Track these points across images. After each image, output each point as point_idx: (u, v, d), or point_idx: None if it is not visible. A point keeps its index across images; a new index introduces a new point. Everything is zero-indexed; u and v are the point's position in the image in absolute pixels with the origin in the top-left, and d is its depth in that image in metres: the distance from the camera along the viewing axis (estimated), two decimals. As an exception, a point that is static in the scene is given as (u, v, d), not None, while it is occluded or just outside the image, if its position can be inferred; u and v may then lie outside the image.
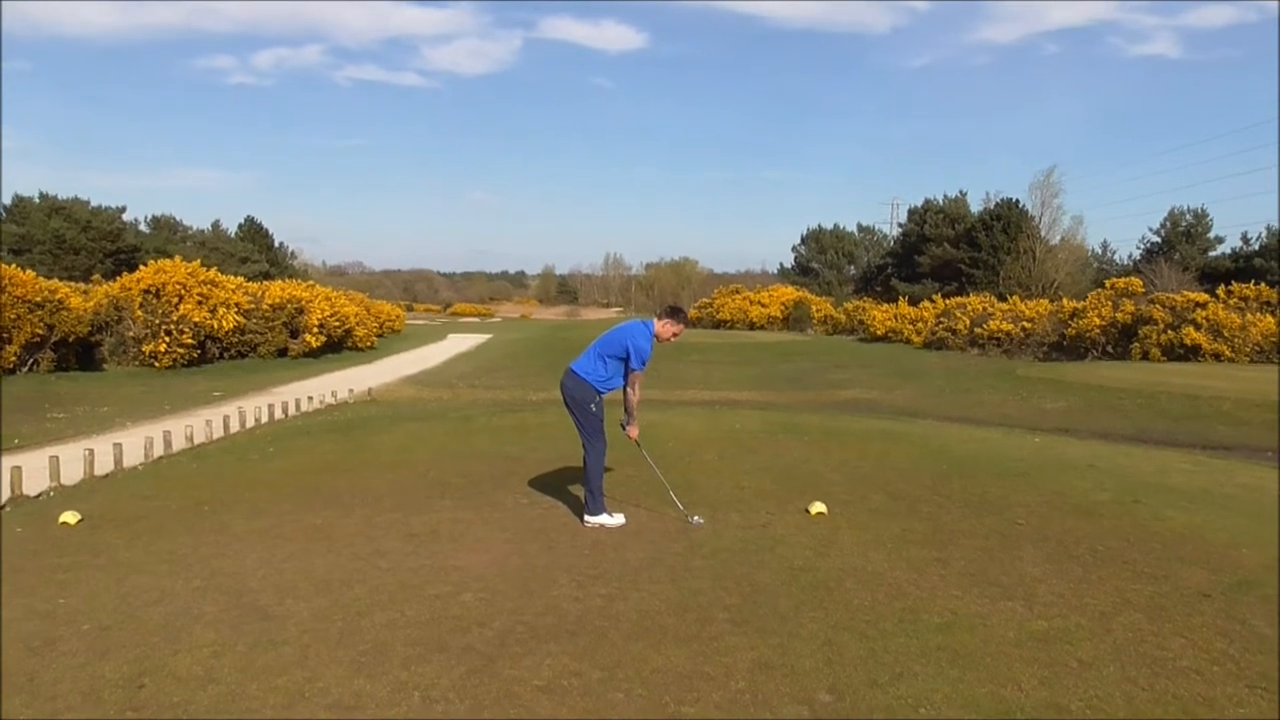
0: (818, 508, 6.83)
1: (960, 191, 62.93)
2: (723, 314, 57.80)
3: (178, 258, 25.14)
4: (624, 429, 6.50)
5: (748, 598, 4.88)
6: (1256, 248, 51.67)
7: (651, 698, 3.67)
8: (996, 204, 55.58)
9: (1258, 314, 29.81)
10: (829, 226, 78.33)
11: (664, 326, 6.38)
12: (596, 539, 6.12)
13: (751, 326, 54.80)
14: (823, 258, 76.05)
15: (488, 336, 46.05)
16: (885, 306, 46.84)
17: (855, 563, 5.56)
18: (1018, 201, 54.57)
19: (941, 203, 61.59)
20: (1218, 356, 28.62)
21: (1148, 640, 4.35)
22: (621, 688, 3.76)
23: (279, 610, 4.67)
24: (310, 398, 15.96)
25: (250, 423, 12.86)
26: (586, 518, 6.40)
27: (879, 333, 42.44)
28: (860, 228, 78.88)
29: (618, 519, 6.44)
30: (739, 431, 11.28)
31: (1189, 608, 4.82)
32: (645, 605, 4.76)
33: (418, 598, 4.86)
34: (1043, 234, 53.20)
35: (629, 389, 6.37)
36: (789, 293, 58.00)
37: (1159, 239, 57.65)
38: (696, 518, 6.53)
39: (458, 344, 40.15)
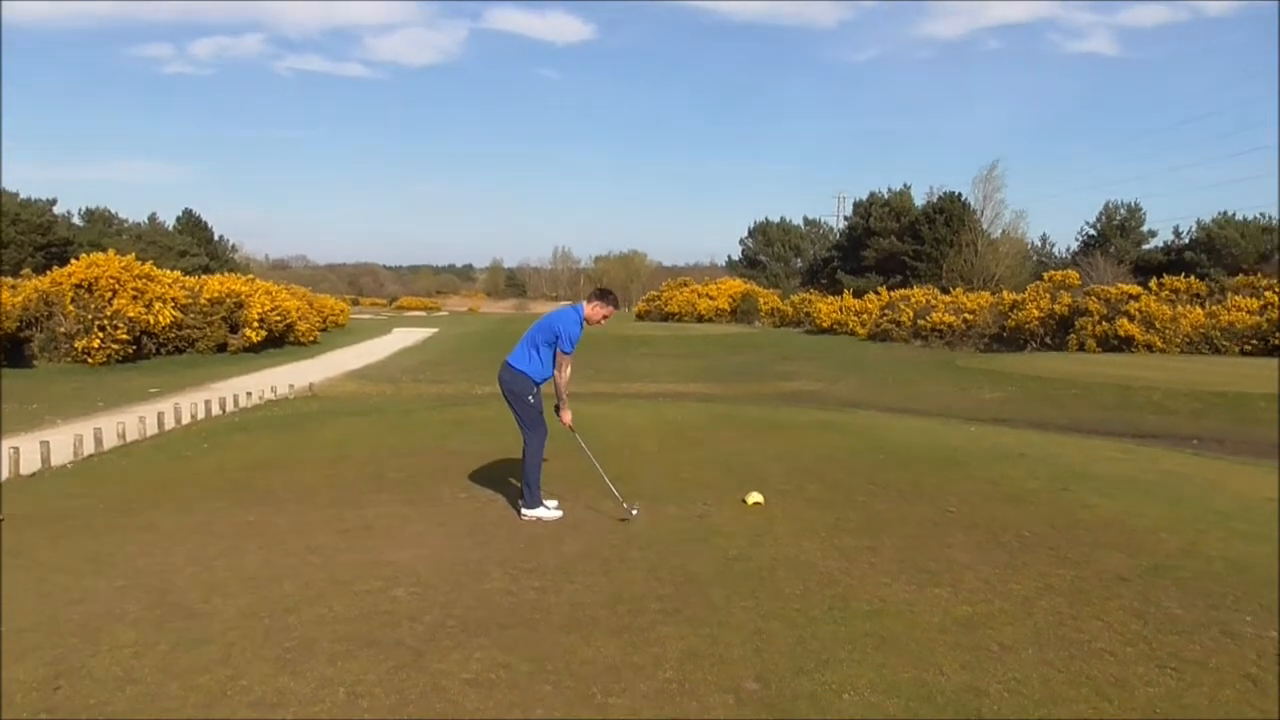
0: (754, 498, 6.92)
1: (905, 185, 63.98)
2: (671, 307, 58.00)
3: (111, 251, 24.51)
4: (557, 413, 6.51)
5: (680, 588, 4.92)
6: (1187, 241, 53.35)
7: (579, 689, 3.69)
8: (940, 197, 56.59)
9: (1188, 306, 30.73)
10: (776, 219, 79.14)
11: (593, 309, 6.43)
12: (532, 532, 6.13)
13: (700, 319, 55.06)
14: (770, 250, 76.79)
15: (434, 330, 45.67)
16: (831, 299, 47.42)
17: (789, 552, 5.64)
18: (961, 195, 55.67)
19: (887, 196, 62.51)
20: (1149, 347, 29.43)
21: (1067, 624, 4.48)
22: (550, 680, 3.77)
23: (204, 608, 4.60)
24: (249, 393, 15.69)
25: (186, 419, 12.60)
26: (523, 510, 6.40)
27: (825, 325, 42.95)
28: (807, 221, 79.81)
29: (554, 512, 6.45)
30: (681, 423, 11.37)
31: (1107, 591, 4.96)
32: (578, 597, 4.78)
33: (348, 593, 4.81)
34: (985, 227, 54.30)
35: (558, 371, 6.39)
36: (737, 285, 58.37)
37: (1095, 232, 59.17)
38: (634, 509, 6.56)
39: (403, 338, 39.73)
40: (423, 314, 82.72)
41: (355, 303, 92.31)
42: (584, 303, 6.51)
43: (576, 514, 6.60)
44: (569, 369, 6.42)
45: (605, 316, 6.46)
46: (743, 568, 5.31)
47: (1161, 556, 5.61)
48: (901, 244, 56.42)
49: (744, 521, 6.41)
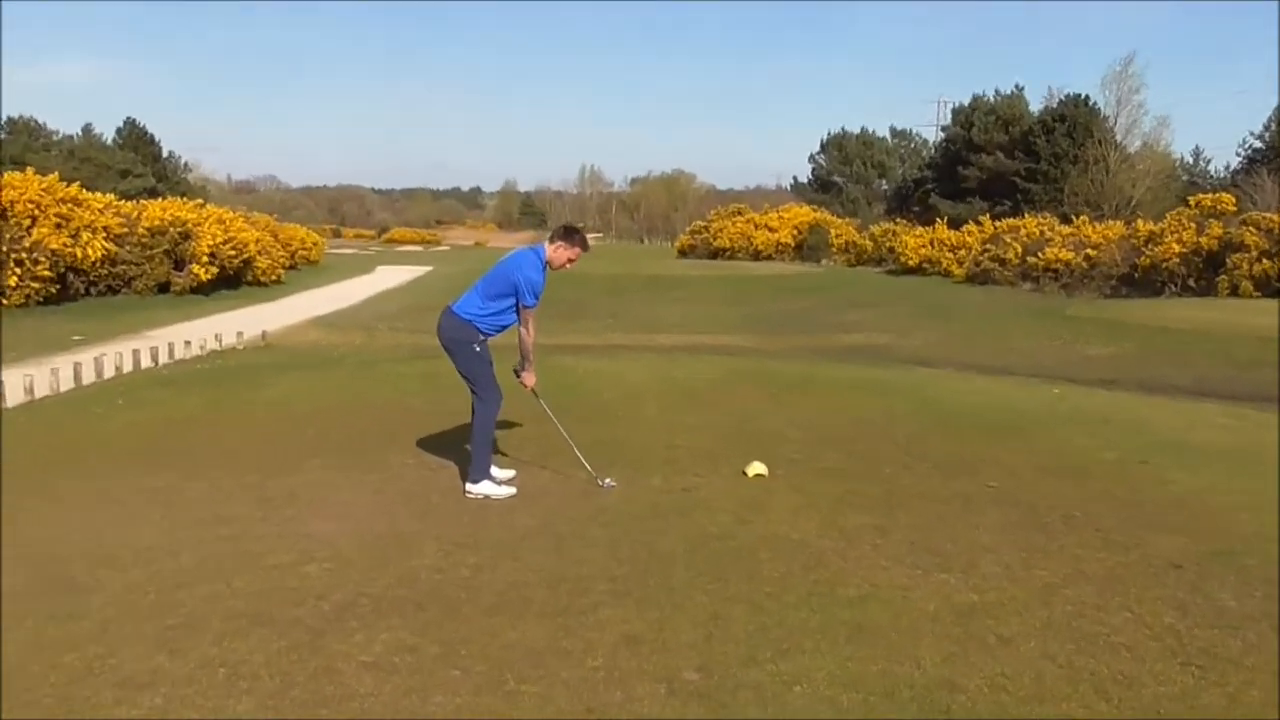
0: (756, 469, 7.20)
1: (1016, 86, 62.75)
2: (720, 240, 57.86)
3: (30, 170, 25.13)
4: (518, 375, 6.79)
5: (639, 568, 5.24)
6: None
7: (491, 675, 4.01)
8: (1061, 102, 55.60)
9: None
10: (855, 131, 78.26)
11: (556, 251, 6.67)
12: (484, 504, 6.49)
13: (756, 256, 55.00)
14: (847, 170, 76.23)
15: (427, 269, 46.22)
16: (921, 231, 46.97)
17: (779, 530, 5.93)
18: (1088, 99, 54.62)
19: (993, 101, 61.51)
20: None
21: (1087, 615, 4.71)
22: (460, 664, 4.10)
23: (87, 581, 4.99)
24: (189, 342, 16.20)
25: (110, 372, 13.11)
26: (467, 487, 6.69)
27: (912, 263, 42.65)
28: (895, 133, 78.94)
29: (505, 488, 6.73)
30: (692, 381, 11.74)
31: (1151, 579, 5.18)
32: (516, 576, 5.10)
33: (253, 568, 5.19)
34: (1118, 139, 53.32)
35: (522, 328, 6.67)
36: (803, 214, 58.08)
37: (1262, 144, 57.78)
38: (608, 480, 6.88)
39: (388, 278, 40.34)
40: (418, 248, 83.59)
41: (336, 234, 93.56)
42: (545, 243, 6.75)
43: (540, 483, 6.93)
44: (534, 325, 6.70)
45: (571, 260, 6.71)
46: (719, 546, 5.61)
47: (1230, 540, 5.79)
48: (1011, 161, 55.69)
49: (737, 495, 6.70)
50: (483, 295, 6.68)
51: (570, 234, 6.78)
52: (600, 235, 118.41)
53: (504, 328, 6.78)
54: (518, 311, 6.68)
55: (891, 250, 46.52)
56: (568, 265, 6.74)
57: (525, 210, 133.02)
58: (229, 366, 13.90)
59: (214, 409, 9.90)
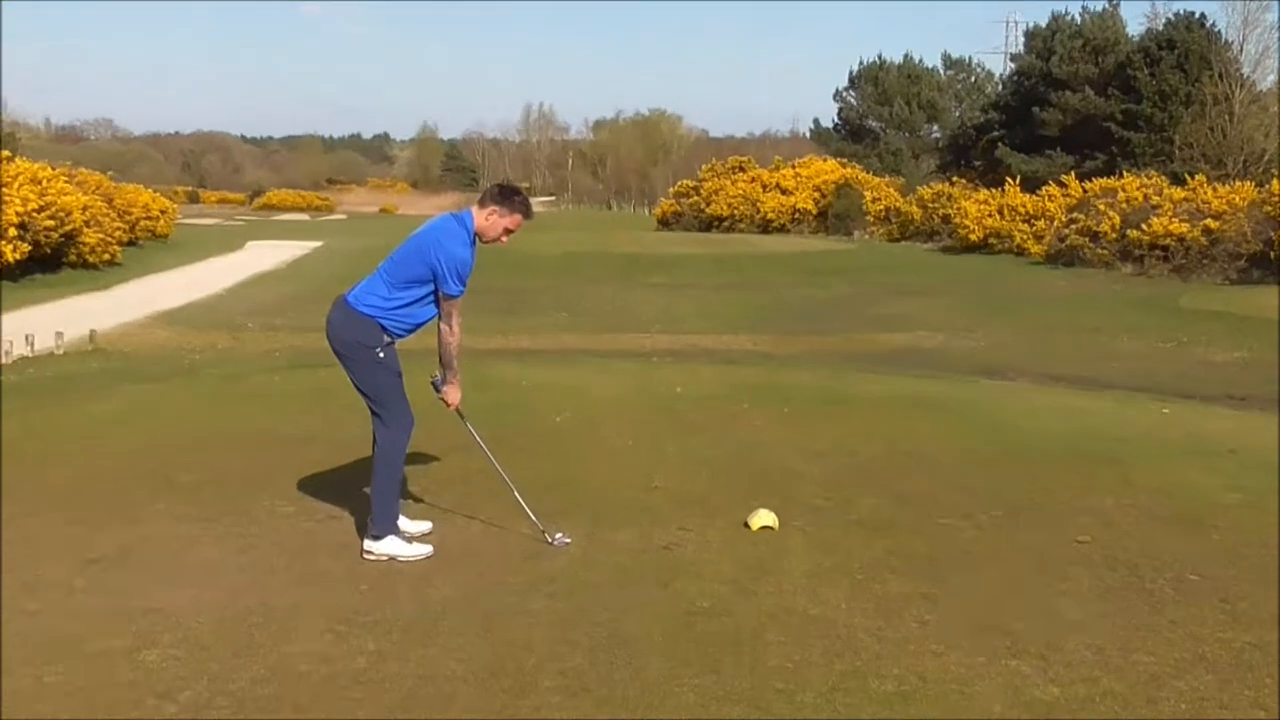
0: (763, 519, 7.13)
1: (1109, 1, 63.05)
2: (715, 206, 57.87)
3: None
4: (437, 390, 6.73)
5: (601, 656, 5.19)
6: None
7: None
8: (1168, 23, 55.86)
9: None
10: (897, 59, 78.21)
11: (488, 219, 6.56)
12: (389, 568, 6.39)
13: (765, 227, 55.05)
14: (886, 112, 75.73)
15: (316, 244, 46.00)
16: (985, 194, 47.07)
17: (794, 603, 5.89)
18: (1203, 20, 54.92)
19: (1079, 21, 61.72)
20: None
21: (1208, 714, 4.68)
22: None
23: None
24: (-11, 345, 16.03)
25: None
26: (366, 544, 6.61)
27: (973, 237, 42.84)
28: (949, 62, 78.81)
29: (416, 547, 6.64)
30: (679, 398, 11.67)
31: (1293, 666, 5.16)
32: (433, 668, 5.05)
33: (71, 655, 5.10)
34: (1244, 73, 53.63)
35: (443, 325, 6.57)
36: (828, 169, 58.08)
37: None
38: (559, 535, 6.80)
39: (261, 257, 40.09)
40: (303, 217, 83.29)
41: (192, 198, 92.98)
42: (472, 209, 6.65)
43: (465, 539, 6.86)
44: (458, 321, 6.60)
45: (509, 230, 6.62)
46: (712, 627, 5.56)
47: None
48: (1104, 101, 55.91)
49: (737, 555, 6.63)
50: (389, 281, 6.58)
51: (507, 195, 6.67)
52: (552, 199, 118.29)
53: (418, 325, 6.69)
54: (437, 303, 6.60)
55: (946, 220, 46.75)
56: (504, 238, 6.66)
57: (450, 165, 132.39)
58: (43, 378, 13.80)
59: (21, 436, 9.69)
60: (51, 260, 29.78)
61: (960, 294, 29.70)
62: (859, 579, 6.25)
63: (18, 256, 27.42)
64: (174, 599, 5.81)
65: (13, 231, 27.38)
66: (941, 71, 78.75)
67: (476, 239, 6.60)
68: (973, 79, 78.08)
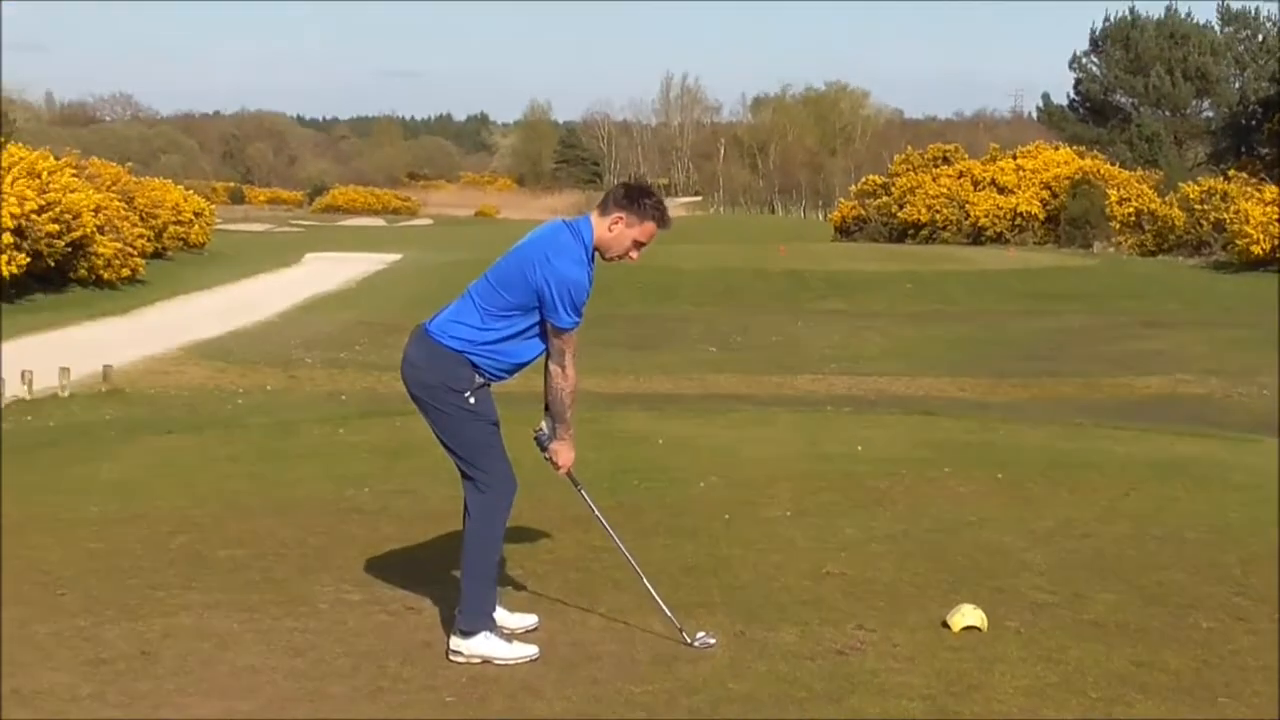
0: (967, 618, 6.39)
1: None
2: (911, 210, 55.73)
3: None
4: (544, 448, 6.09)
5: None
6: None
7: None
8: None
9: None
10: (1156, 14, 70.48)
11: (611, 228, 5.85)
12: (479, 674, 5.70)
13: (976, 236, 52.78)
14: (1140, 83, 68.09)
15: (394, 258, 46.05)
16: (1274, 192, 43.11)
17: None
18: None
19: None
20: None
21: None
22: None
23: None
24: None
25: None
26: (454, 643, 5.91)
27: (1258, 249, 39.50)
28: (1227, 16, 68.75)
29: (519, 649, 5.94)
30: (859, 459, 10.71)
31: None
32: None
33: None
34: None
35: (553, 365, 5.89)
36: (1061, 160, 55.16)
37: None
38: (701, 635, 6.11)
39: (323, 274, 40.10)
40: (378, 222, 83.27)
41: (236, 198, 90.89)
42: (591, 215, 5.95)
43: (582, 637, 6.20)
44: (573, 360, 5.93)
45: (639, 243, 5.93)
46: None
47: None
48: None
49: (932, 665, 5.81)
50: (482, 308, 5.87)
51: (636, 198, 5.90)
52: (698, 199, 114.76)
53: (520, 365, 6.01)
54: (545, 336, 5.83)
55: (1219, 227, 43.67)
56: (633, 253, 5.95)
57: (566, 155, 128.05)
58: (45, 428, 13.70)
59: (18, 504, 8.93)
60: (56, 276, 28.96)
61: (1237, 326, 27.90)
62: (1093, 699, 5.43)
63: (13, 270, 26.09)
64: (204, 711, 5.20)
65: (6, 239, 25.93)
66: (1218, 28, 70.34)
67: (596, 254, 5.94)
68: (1260, 38, 68.97)
